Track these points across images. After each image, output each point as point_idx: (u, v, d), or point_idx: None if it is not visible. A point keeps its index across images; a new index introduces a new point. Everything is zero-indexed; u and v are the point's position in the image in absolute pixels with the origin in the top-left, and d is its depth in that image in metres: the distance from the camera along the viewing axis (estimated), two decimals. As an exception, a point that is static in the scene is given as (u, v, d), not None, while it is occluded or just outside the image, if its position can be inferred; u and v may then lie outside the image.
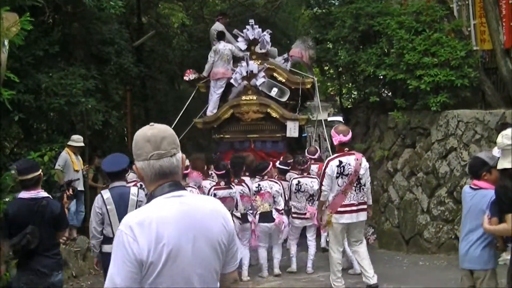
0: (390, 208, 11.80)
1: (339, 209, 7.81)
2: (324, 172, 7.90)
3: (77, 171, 10.77)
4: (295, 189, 9.82)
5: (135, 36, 19.52)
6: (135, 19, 20.60)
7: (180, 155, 2.82)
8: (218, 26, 14.58)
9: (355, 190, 7.84)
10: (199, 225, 2.69)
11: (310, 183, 9.81)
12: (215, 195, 8.77)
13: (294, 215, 9.90)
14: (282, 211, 9.70)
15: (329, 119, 22.97)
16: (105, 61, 14.27)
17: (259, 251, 9.73)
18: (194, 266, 2.64)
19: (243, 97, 13.09)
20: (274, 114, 12.94)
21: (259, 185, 9.67)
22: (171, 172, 2.76)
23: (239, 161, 9.96)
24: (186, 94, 24.70)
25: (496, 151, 5.55)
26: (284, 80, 13.36)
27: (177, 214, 2.66)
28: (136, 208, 5.86)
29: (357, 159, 7.84)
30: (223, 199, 8.65)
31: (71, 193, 8.59)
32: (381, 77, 12.57)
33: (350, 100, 18.30)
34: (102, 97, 13.63)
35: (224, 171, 9.22)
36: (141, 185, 9.47)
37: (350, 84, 15.39)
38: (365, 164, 7.98)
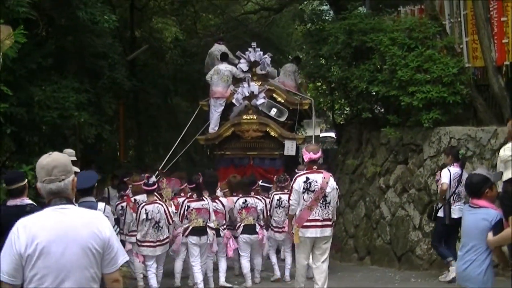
0: (382, 224, 11.80)
1: (305, 223, 8.14)
2: (292, 187, 8.31)
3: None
4: (276, 205, 10.52)
5: (128, 50, 19.56)
6: (129, 33, 20.65)
7: (70, 179, 3.69)
8: (221, 48, 15.36)
9: (320, 207, 8.14)
10: (71, 231, 3.54)
11: None
12: (188, 207, 9.57)
13: (274, 229, 10.66)
14: (264, 226, 10.44)
15: (322, 135, 23.09)
16: (98, 75, 14.24)
17: (242, 262, 10.42)
18: (64, 262, 3.49)
19: (244, 116, 13.70)
20: (273, 133, 13.53)
21: (245, 200, 10.36)
22: (59, 192, 3.64)
23: (212, 180, 10.44)
24: (178, 109, 24.82)
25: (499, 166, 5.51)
26: (283, 101, 14.00)
27: (55, 221, 3.55)
28: None
29: (324, 178, 8.18)
30: (197, 210, 9.57)
31: None
32: (374, 93, 12.57)
33: (342, 116, 18.36)
34: (94, 110, 13.59)
35: (195, 185, 9.90)
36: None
37: (343, 100, 15.39)
38: (332, 183, 8.27)
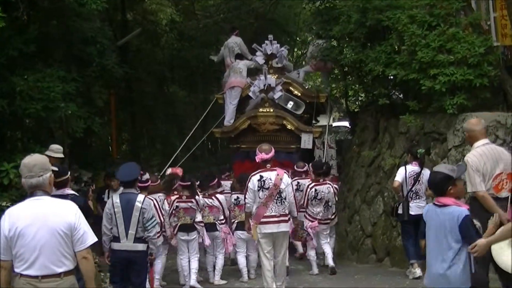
0: (403, 222, 11.70)
1: (262, 219, 9.23)
2: (247, 186, 9.42)
3: (55, 183, 10.74)
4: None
5: (119, 34, 19.50)
6: (119, 15, 20.60)
7: (47, 175, 5.05)
8: (236, 40, 16.44)
9: (276, 203, 9.26)
10: (42, 217, 4.91)
11: None
12: (177, 207, 10.72)
13: None
14: None
15: (334, 124, 22.99)
16: (87, 62, 14.24)
17: (238, 258, 11.51)
18: (36, 242, 4.86)
19: (260, 109, 14.64)
20: (289, 126, 14.51)
21: (237, 197, 11.42)
22: (38, 186, 5.00)
23: (205, 176, 11.78)
24: (176, 98, 24.77)
25: None
26: (299, 94, 15.03)
27: (31, 209, 4.95)
28: (139, 214, 7.97)
29: (278, 175, 9.31)
30: (185, 210, 10.72)
31: (94, 188, 11.44)
32: (391, 77, 12.49)
33: (357, 103, 18.24)
34: (83, 101, 13.59)
35: (189, 183, 10.89)
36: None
37: (357, 85, 15.32)
38: (286, 179, 9.38)
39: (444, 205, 5.66)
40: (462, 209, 5.58)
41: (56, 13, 13.05)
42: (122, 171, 8.40)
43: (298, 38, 27.37)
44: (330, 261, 11.49)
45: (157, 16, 21.58)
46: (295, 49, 28.03)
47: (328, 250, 11.65)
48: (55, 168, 7.51)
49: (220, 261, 11.35)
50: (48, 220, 4.90)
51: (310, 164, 12.47)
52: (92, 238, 5.10)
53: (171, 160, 15.41)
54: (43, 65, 12.36)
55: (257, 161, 9.47)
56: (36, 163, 5.03)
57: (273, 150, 9.51)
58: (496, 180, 7.10)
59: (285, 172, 9.56)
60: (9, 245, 4.91)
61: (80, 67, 13.83)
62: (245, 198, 9.56)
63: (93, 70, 14.34)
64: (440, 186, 5.74)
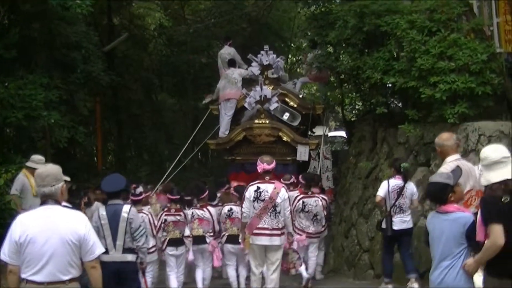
0: (402, 236, 11.65)
1: (255, 231, 9.56)
2: (244, 196, 9.76)
3: (36, 196, 10.63)
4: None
5: (105, 39, 19.42)
6: (105, 20, 20.54)
7: (59, 185, 5.43)
8: (230, 51, 17.01)
9: (270, 216, 9.56)
10: (53, 226, 5.29)
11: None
12: (165, 220, 10.93)
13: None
14: None
15: (330, 134, 22.96)
16: (71, 68, 14.19)
17: (228, 270, 11.65)
18: (45, 250, 5.22)
19: (256, 121, 15.18)
20: (285, 138, 15.00)
21: (231, 208, 11.36)
22: (50, 195, 5.40)
23: (190, 192, 11.93)
24: (164, 106, 24.71)
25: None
26: (295, 105, 15.57)
27: (42, 217, 5.34)
28: (126, 224, 8.18)
29: (275, 188, 9.62)
30: (174, 223, 10.95)
31: (87, 201, 11.21)
32: (390, 85, 12.43)
33: (353, 112, 18.25)
34: (67, 110, 13.53)
35: (178, 196, 11.18)
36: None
37: (354, 93, 15.36)
38: (283, 194, 9.67)
39: (448, 212, 5.79)
40: (468, 215, 5.73)
41: (38, 16, 13.03)
42: (107, 182, 8.61)
43: (292, 45, 27.36)
44: (308, 271, 11.62)
45: (145, 21, 21.56)
46: (289, 56, 28.03)
47: (312, 263, 11.99)
48: (68, 178, 7.94)
49: (208, 273, 11.52)
50: (59, 229, 5.30)
51: (300, 176, 12.45)
52: (100, 249, 5.56)
53: (165, 176, 15.58)
54: (24, 71, 12.30)
55: (258, 171, 9.74)
56: (49, 174, 5.45)
57: (274, 162, 9.81)
58: (466, 197, 7.17)
59: (283, 187, 9.83)
60: (18, 250, 5.27)
61: (63, 73, 13.79)
62: (241, 207, 9.79)
63: (78, 77, 14.29)
64: (440, 196, 5.88)
